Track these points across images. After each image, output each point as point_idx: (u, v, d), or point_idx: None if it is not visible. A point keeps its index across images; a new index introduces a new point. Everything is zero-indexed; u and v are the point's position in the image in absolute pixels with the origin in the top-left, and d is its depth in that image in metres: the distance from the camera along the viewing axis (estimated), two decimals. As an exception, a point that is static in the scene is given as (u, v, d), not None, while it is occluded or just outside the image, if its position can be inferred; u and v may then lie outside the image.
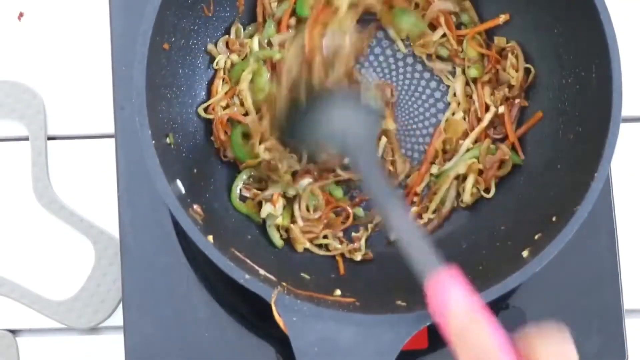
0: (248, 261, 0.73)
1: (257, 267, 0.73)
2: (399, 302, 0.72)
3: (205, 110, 0.82)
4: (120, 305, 0.83)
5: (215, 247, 0.70)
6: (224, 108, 0.83)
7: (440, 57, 0.85)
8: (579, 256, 0.83)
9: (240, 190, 0.82)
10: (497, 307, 0.81)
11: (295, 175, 0.82)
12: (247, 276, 0.69)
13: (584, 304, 0.82)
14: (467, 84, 0.84)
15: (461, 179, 0.83)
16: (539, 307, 0.82)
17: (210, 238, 0.70)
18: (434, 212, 0.83)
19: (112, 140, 0.85)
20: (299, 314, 0.68)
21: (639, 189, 0.91)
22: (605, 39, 0.72)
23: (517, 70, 0.83)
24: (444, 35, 0.84)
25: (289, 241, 0.82)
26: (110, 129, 0.85)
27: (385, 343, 0.67)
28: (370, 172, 0.69)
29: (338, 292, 0.75)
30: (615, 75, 0.72)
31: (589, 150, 0.73)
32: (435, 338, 0.81)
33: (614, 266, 0.83)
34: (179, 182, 0.73)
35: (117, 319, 0.87)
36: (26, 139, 0.91)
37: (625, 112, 0.92)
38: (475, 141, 0.83)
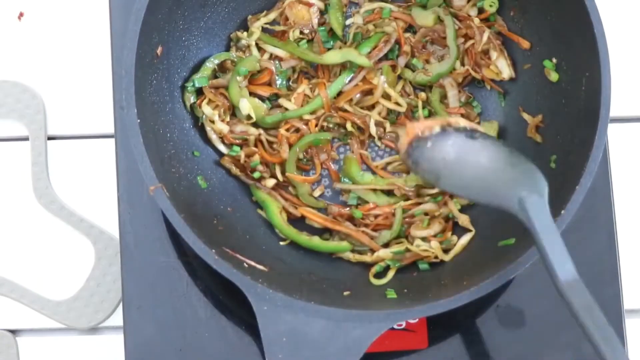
0: (232, 252, 0.73)
1: (243, 258, 0.73)
2: (389, 295, 0.74)
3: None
4: (120, 305, 0.84)
5: (188, 224, 0.70)
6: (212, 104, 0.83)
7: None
8: (579, 256, 0.82)
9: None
10: (497, 306, 0.82)
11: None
12: (216, 257, 0.69)
13: (584, 304, 0.82)
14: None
15: None
16: (538, 307, 0.82)
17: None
18: None
19: (112, 140, 0.85)
20: (270, 304, 0.68)
21: (639, 189, 0.91)
22: (598, 54, 0.72)
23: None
24: None
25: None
26: (110, 129, 0.85)
27: (353, 338, 0.68)
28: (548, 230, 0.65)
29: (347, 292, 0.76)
30: (605, 90, 0.71)
31: (571, 167, 0.73)
32: (435, 338, 0.81)
33: (614, 266, 0.83)
34: None
35: (117, 319, 0.87)
36: (26, 139, 0.91)
37: (625, 112, 0.92)
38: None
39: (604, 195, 0.84)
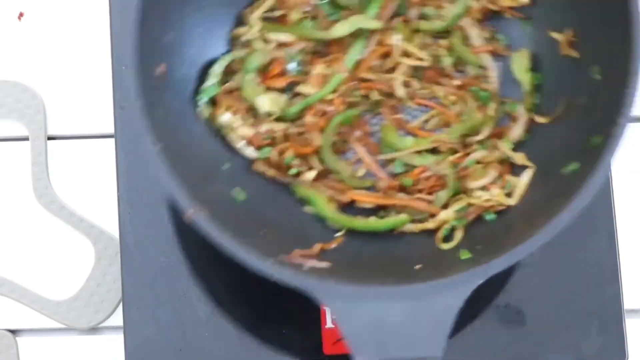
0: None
1: (301, 261, 0.69)
2: (463, 256, 0.70)
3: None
4: (120, 305, 0.84)
5: (237, 242, 0.65)
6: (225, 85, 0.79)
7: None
8: (579, 256, 0.83)
9: None
10: (496, 306, 0.82)
11: None
12: (275, 267, 0.64)
13: (584, 303, 0.82)
14: None
15: None
16: (538, 306, 0.82)
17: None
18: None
19: (112, 140, 0.85)
20: (342, 298, 0.63)
21: (639, 189, 0.91)
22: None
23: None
24: None
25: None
26: (110, 129, 0.85)
27: (439, 311, 0.63)
28: None
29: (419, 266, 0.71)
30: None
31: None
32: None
33: (614, 266, 0.83)
34: None
35: (117, 319, 0.87)
36: (26, 139, 0.91)
37: (625, 112, 0.92)
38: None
39: (604, 195, 0.84)
